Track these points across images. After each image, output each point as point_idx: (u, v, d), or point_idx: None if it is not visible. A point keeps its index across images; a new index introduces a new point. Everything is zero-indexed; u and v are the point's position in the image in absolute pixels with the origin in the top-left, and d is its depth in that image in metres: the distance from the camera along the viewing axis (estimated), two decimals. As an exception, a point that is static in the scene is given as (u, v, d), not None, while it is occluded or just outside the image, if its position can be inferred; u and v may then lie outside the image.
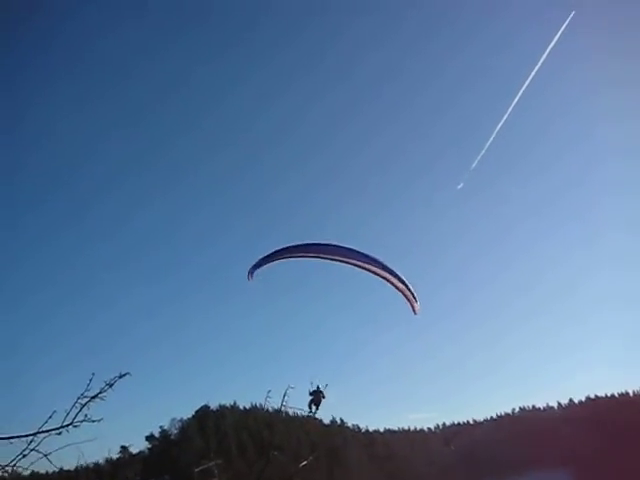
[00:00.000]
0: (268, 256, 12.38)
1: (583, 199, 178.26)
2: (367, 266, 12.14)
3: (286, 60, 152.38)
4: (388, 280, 12.25)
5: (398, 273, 12.14)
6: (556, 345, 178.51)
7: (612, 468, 77.05)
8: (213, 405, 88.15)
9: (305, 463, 9.58)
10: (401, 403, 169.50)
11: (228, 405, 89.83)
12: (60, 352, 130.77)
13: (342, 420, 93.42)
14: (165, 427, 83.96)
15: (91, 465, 71.06)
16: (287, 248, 12.29)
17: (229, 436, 76.38)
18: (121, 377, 6.99)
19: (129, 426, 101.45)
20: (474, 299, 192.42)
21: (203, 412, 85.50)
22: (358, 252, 12.12)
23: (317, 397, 12.28)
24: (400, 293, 12.49)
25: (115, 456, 74.24)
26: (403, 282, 12.33)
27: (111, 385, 6.81)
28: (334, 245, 12.30)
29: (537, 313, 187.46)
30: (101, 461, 73.43)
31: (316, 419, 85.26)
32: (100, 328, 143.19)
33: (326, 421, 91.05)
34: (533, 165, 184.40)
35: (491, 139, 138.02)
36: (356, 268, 12.14)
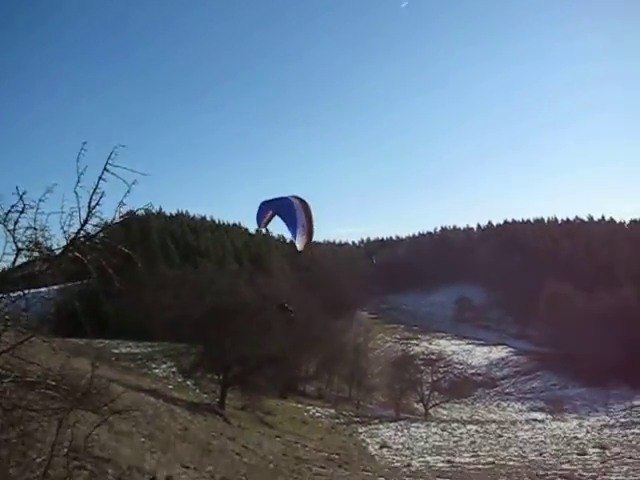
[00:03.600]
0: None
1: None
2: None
3: None
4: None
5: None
6: (483, 165, 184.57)
7: (521, 287, 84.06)
8: (139, 211, 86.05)
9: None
10: (328, 216, 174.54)
11: (154, 211, 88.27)
12: None
13: (267, 230, 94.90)
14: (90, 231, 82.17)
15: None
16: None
17: (154, 242, 76.20)
18: None
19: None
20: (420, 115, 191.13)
21: (128, 217, 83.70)
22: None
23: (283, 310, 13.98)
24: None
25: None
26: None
27: None
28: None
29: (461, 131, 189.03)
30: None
31: (241, 228, 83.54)
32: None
33: (251, 230, 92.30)
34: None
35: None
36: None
